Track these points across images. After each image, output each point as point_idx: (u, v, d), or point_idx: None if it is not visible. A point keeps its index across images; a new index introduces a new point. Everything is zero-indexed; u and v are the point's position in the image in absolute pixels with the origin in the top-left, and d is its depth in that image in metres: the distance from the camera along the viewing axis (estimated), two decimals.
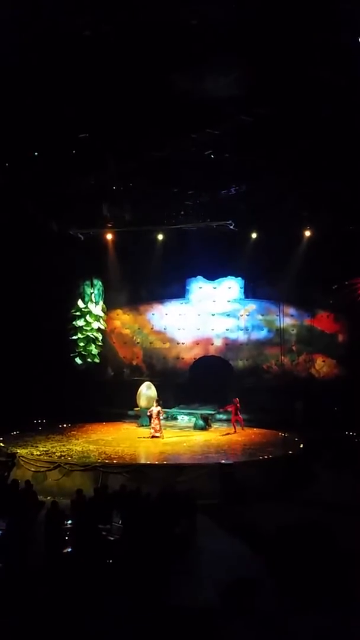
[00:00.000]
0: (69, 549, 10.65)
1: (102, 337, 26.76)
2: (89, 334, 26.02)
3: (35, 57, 13.01)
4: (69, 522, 11.35)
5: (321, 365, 25.73)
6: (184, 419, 25.04)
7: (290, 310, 26.17)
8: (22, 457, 17.39)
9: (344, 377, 24.90)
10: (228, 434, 22.39)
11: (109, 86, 14.12)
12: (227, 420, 25.13)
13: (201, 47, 12.69)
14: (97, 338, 26.33)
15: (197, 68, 13.40)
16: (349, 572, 10.46)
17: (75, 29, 12.20)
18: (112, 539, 11.08)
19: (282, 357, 25.57)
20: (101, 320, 26.51)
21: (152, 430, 21.34)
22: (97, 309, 26.29)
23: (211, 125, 16.09)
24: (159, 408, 21.75)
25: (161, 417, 21.84)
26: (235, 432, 22.50)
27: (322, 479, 17.81)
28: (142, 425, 23.61)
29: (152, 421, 21.61)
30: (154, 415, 21.47)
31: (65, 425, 23.09)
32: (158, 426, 21.32)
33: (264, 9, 11.59)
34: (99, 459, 17.24)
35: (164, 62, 13.28)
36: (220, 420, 25.17)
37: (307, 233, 24.12)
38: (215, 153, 17.54)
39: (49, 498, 14.24)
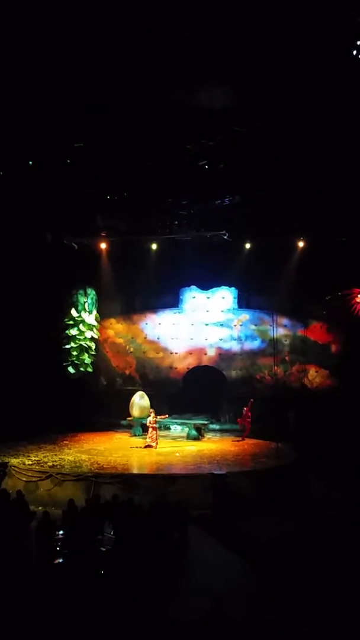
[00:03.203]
0: (61, 560, 10.58)
1: (95, 346, 26.69)
2: (82, 343, 25.95)
3: (31, 67, 13.06)
4: (61, 532, 11.28)
5: (314, 375, 25.74)
6: (176, 429, 24.99)
7: (284, 320, 26.19)
8: (14, 466, 17.27)
9: (337, 387, 24.91)
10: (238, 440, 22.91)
11: (104, 96, 14.18)
12: (220, 431, 25.17)
13: (196, 59, 12.77)
14: (90, 347, 26.26)
15: (192, 79, 13.48)
16: (342, 584, 10.44)
17: (70, 40, 12.25)
18: (104, 549, 11.03)
19: (275, 368, 25.56)
20: (94, 330, 26.46)
21: (149, 439, 21.23)
22: (90, 318, 26.24)
23: (206, 136, 16.16)
24: (155, 417, 21.59)
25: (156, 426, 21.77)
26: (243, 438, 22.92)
27: (316, 490, 17.80)
28: (135, 435, 23.55)
29: (148, 430, 21.50)
30: (151, 425, 21.35)
31: (57, 435, 22.95)
32: (154, 435, 21.24)
33: (258, 21, 11.68)
34: (91, 469, 17.17)
35: (159, 73, 13.36)
36: (213, 430, 25.15)
37: (301, 244, 24.19)
38: (210, 164, 17.61)
39: (40, 508, 14.14)
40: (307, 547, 11.02)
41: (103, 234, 24.17)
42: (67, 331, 25.77)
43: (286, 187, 18.93)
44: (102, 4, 11.56)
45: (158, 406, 23.96)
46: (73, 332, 25.78)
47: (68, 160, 17.41)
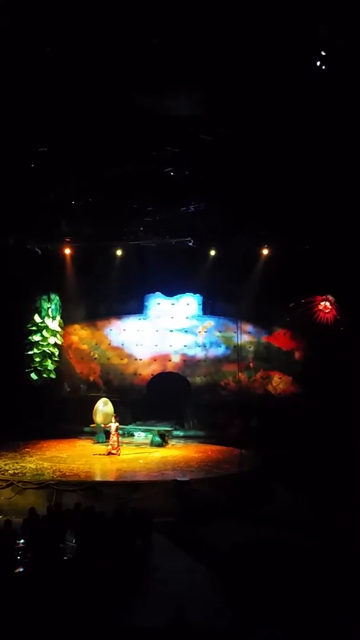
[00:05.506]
0: (21, 569, 10.41)
1: (59, 352, 26.41)
2: (45, 349, 25.66)
3: None
4: (21, 541, 11.11)
5: (278, 382, 25.98)
6: (140, 436, 24.93)
7: (248, 327, 26.39)
8: None
9: (300, 394, 25.18)
10: None
11: (70, 101, 14.10)
12: (184, 437, 25.18)
13: (163, 66, 12.80)
14: (53, 353, 25.98)
15: (159, 86, 13.51)
16: (303, 589, 10.52)
17: (37, 44, 12.17)
18: (65, 558, 10.90)
19: (240, 374, 25.72)
20: (58, 336, 26.20)
21: (110, 447, 21.17)
22: (54, 324, 25.98)
23: (171, 143, 16.21)
24: (117, 424, 21.62)
25: (119, 433, 21.73)
26: None
27: (279, 497, 17.90)
28: (98, 442, 23.39)
29: (110, 437, 21.44)
30: (113, 432, 21.30)
31: (19, 442, 22.62)
32: (116, 443, 21.17)
33: (226, 30, 11.78)
34: (53, 477, 16.98)
35: (126, 79, 13.34)
36: (177, 436, 25.15)
37: (265, 252, 24.46)
38: (175, 170, 17.66)
39: (0, 517, 13.94)
40: (270, 553, 11.10)
41: (67, 240, 24.00)
42: (30, 337, 25.47)
43: (251, 196, 19.07)
44: (70, 9, 11.52)
45: (122, 413, 23.93)
46: (36, 338, 25.48)
47: (32, 165, 17.23)
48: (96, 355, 27.43)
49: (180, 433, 25.62)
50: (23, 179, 17.91)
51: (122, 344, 27.29)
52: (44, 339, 25.62)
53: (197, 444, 23.83)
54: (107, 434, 22.39)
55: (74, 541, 11.23)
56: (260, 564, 10.73)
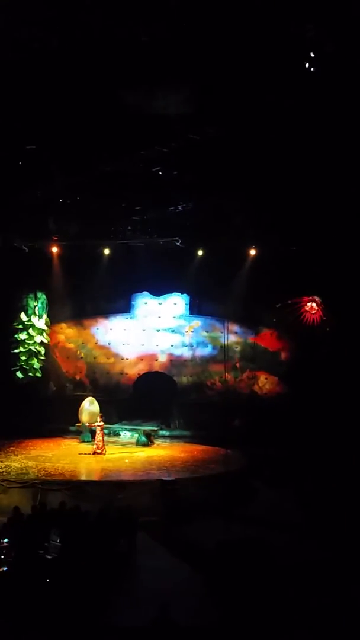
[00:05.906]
0: (5, 568, 10.36)
1: (45, 351, 26.26)
2: (32, 347, 25.51)
3: None
4: (5, 540, 11.05)
5: (264, 382, 26.05)
6: (126, 435, 24.87)
7: (235, 327, 26.45)
8: None
9: (286, 394, 25.26)
10: None
11: (59, 99, 14.05)
12: (170, 437, 25.19)
13: (152, 65, 12.80)
14: (39, 352, 25.84)
15: (148, 85, 13.50)
16: (286, 588, 10.58)
17: (25, 41, 12.10)
18: (49, 557, 10.86)
19: (226, 374, 25.76)
20: (44, 334, 26.05)
21: (95, 446, 21.12)
22: (40, 322, 25.84)
23: (160, 143, 16.20)
24: (102, 423, 21.57)
25: (105, 432, 21.70)
26: None
27: (263, 496, 17.95)
28: (84, 441, 23.33)
29: (96, 437, 21.39)
30: (98, 431, 21.26)
31: (3, 441, 22.48)
32: (101, 442, 21.11)
33: (216, 29, 11.79)
34: (38, 476, 16.90)
35: (115, 78, 13.32)
36: (163, 436, 25.14)
37: (252, 252, 24.52)
38: (164, 170, 17.66)
39: None
40: (254, 552, 11.13)
41: (54, 238, 23.90)
42: (16, 335, 25.31)
43: (239, 196, 19.11)
44: (58, 5, 11.47)
45: (108, 412, 23.88)
46: (22, 336, 25.33)
47: (20, 162, 17.15)
48: (82, 354, 27.31)
49: (166, 433, 25.62)
50: (10, 176, 17.82)
51: (109, 343, 27.22)
52: (30, 337, 25.48)
53: (182, 444, 23.84)
54: (93, 433, 22.33)
55: (58, 540, 11.20)
56: (244, 563, 10.75)
